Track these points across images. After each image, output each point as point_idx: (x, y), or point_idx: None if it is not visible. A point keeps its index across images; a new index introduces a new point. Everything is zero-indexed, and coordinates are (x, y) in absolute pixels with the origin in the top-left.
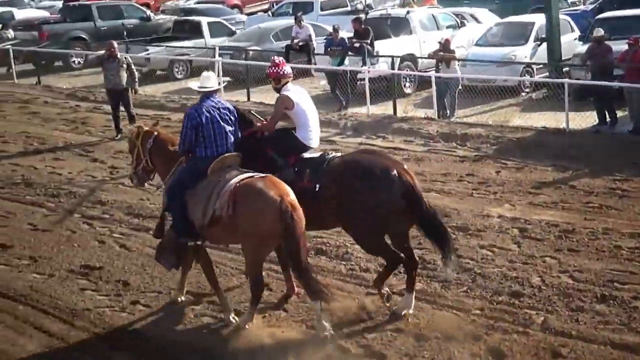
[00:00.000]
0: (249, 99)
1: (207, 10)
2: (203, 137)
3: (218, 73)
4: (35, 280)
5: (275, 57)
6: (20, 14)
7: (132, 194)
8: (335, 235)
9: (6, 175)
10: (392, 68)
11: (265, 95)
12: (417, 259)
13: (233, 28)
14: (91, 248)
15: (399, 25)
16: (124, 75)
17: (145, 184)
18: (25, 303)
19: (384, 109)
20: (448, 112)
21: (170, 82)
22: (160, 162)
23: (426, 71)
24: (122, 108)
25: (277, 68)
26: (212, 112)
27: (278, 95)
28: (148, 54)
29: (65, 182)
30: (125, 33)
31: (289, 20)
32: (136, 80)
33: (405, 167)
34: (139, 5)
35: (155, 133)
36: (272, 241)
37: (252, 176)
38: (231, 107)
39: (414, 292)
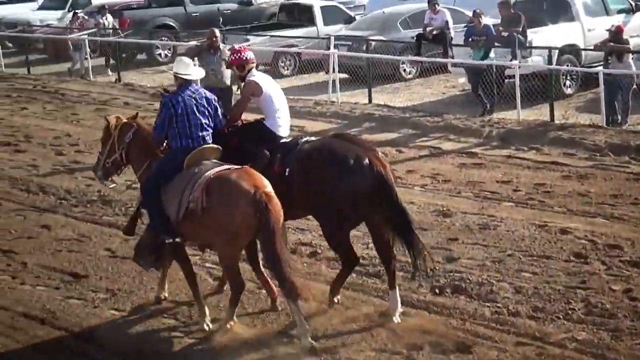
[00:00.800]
0: (370, 100)
1: None
2: (177, 128)
3: (333, 68)
4: (114, 318)
5: (235, 45)
6: None
7: None
8: (476, 270)
9: (80, 191)
10: (549, 63)
11: (390, 97)
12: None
13: (351, 13)
14: (179, 280)
15: (558, 10)
16: (226, 70)
17: (109, 180)
18: (99, 345)
19: (538, 113)
20: (619, 117)
21: (275, 79)
22: (138, 158)
23: (592, 66)
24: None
25: (238, 54)
26: (187, 101)
27: (243, 83)
28: (249, 44)
29: None
30: (221, 20)
31: (421, 4)
32: None
33: (380, 155)
34: None
35: (136, 126)
36: (245, 234)
37: (228, 168)
38: (211, 97)
39: (397, 288)
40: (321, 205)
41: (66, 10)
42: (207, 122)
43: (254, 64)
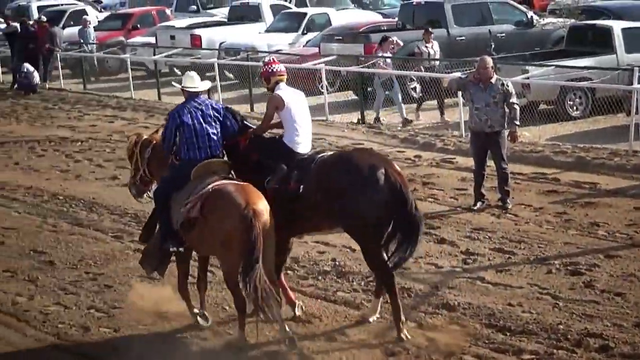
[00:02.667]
0: None
1: (624, 9)
2: (185, 139)
3: (636, 108)
4: None
5: (266, 57)
6: (337, 18)
7: (495, 295)
8: None
9: (311, 259)
10: None
11: None
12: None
13: None
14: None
15: None
16: (499, 109)
17: (143, 197)
18: None
19: None
20: None
21: (558, 122)
22: (158, 172)
23: None
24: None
25: (267, 66)
26: (194, 113)
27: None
28: (527, 77)
29: (395, 272)
30: (492, 46)
31: None
32: (517, 119)
33: (396, 166)
34: (516, 4)
35: (154, 142)
36: (237, 247)
37: (228, 183)
38: (219, 108)
39: (381, 299)
40: (347, 219)
41: (300, 33)
42: (215, 131)
43: (283, 77)
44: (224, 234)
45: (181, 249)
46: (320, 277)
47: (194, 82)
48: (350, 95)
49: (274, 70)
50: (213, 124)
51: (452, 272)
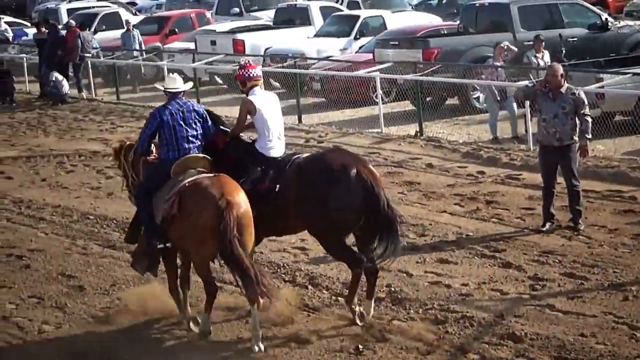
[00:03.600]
0: None
1: None
2: (165, 139)
3: None
4: None
5: (242, 59)
6: (392, 21)
7: (566, 325)
8: None
9: (361, 283)
10: None
11: None
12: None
13: None
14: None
15: None
16: (570, 120)
17: None
18: None
19: None
20: None
21: (635, 135)
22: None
23: None
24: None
25: (244, 70)
26: (175, 114)
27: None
28: (601, 86)
29: (457, 299)
30: (563, 51)
31: None
32: (588, 132)
33: (369, 165)
34: (589, 6)
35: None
36: (210, 239)
37: (205, 176)
38: (200, 110)
39: (374, 299)
40: (314, 215)
41: (352, 37)
42: (195, 133)
43: (259, 81)
44: (199, 226)
45: (168, 245)
46: (373, 304)
47: (176, 83)
48: (407, 106)
49: (251, 75)
50: (194, 125)
51: (518, 300)
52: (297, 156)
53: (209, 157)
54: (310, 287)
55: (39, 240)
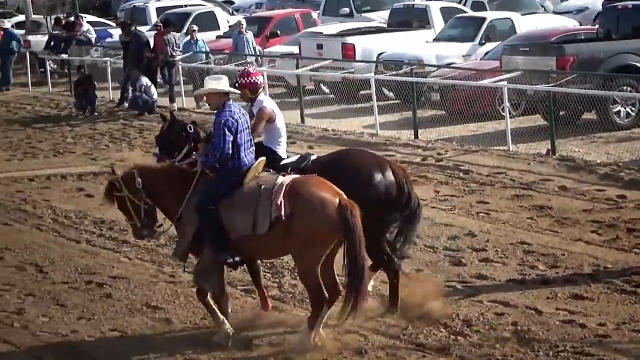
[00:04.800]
0: None
1: None
2: (237, 145)
3: None
4: None
5: (247, 67)
6: (523, 24)
7: None
8: None
9: (485, 321)
10: None
11: None
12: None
13: None
14: None
15: None
16: None
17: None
18: None
19: None
20: None
21: None
22: (160, 196)
23: None
24: None
25: (252, 78)
26: (240, 118)
27: (254, 105)
28: None
29: (593, 341)
30: None
31: None
32: None
33: (396, 165)
34: None
35: (135, 169)
36: (331, 241)
37: (300, 177)
38: (246, 113)
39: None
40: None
41: (477, 42)
42: (250, 138)
43: (262, 88)
44: (322, 228)
45: (237, 259)
46: (498, 345)
47: (222, 83)
48: (538, 121)
49: (259, 82)
50: (248, 130)
51: None
52: (313, 157)
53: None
54: (424, 324)
55: (122, 266)
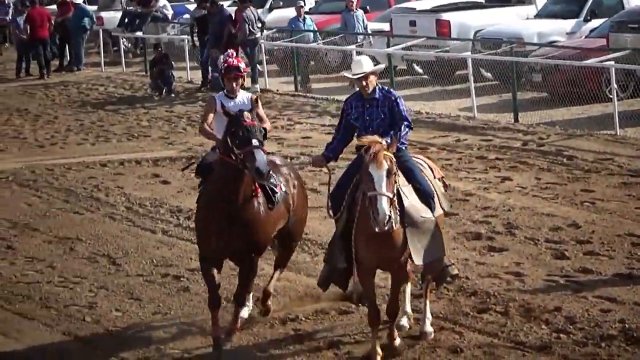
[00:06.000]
0: None
1: None
2: None
3: None
4: None
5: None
6: None
7: None
8: None
9: (589, 318)
10: None
11: None
12: None
13: None
14: None
15: None
16: None
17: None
18: None
19: None
20: None
21: None
22: None
23: None
24: None
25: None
26: None
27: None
28: None
29: None
30: None
31: None
32: None
33: None
34: None
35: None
36: None
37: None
38: None
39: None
40: None
41: (581, 19)
42: None
43: None
44: None
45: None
46: (603, 344)
47: (363, 66)
48: None
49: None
50: None
51: None
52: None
53: None
54: (524, 320)
55: None
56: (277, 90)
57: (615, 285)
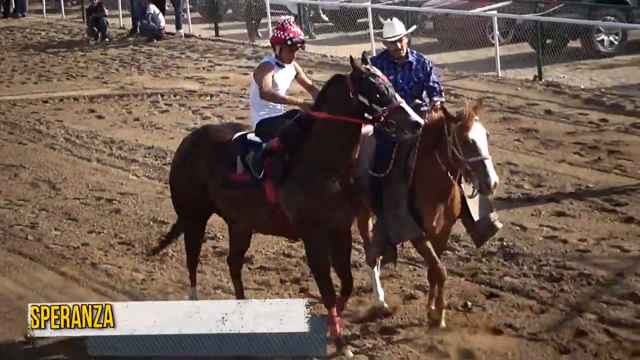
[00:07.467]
0: None
1: None
2: None
3: None
4: None
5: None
6: None
7: None
8: None
9: None
10: None
11: None
12: None
13: None
14: None
15: None
16: None
17: None
18: None
19: None
20: None
21: None
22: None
23: None
24: None
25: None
26: None
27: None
28: None
29: (574, 255)
30: None
31: None
32: None
33: None
34: None
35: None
36: None
37: None
38: None
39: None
40: None
41: None
42: None
43: None
44: None
45: None
46: (484, 260)
47: (395, 29)
48: (525, 48)
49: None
50: None
51: None
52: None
53: None
54: None
55: (130, 183)
56: (200, 35)
57: (495, 207)
